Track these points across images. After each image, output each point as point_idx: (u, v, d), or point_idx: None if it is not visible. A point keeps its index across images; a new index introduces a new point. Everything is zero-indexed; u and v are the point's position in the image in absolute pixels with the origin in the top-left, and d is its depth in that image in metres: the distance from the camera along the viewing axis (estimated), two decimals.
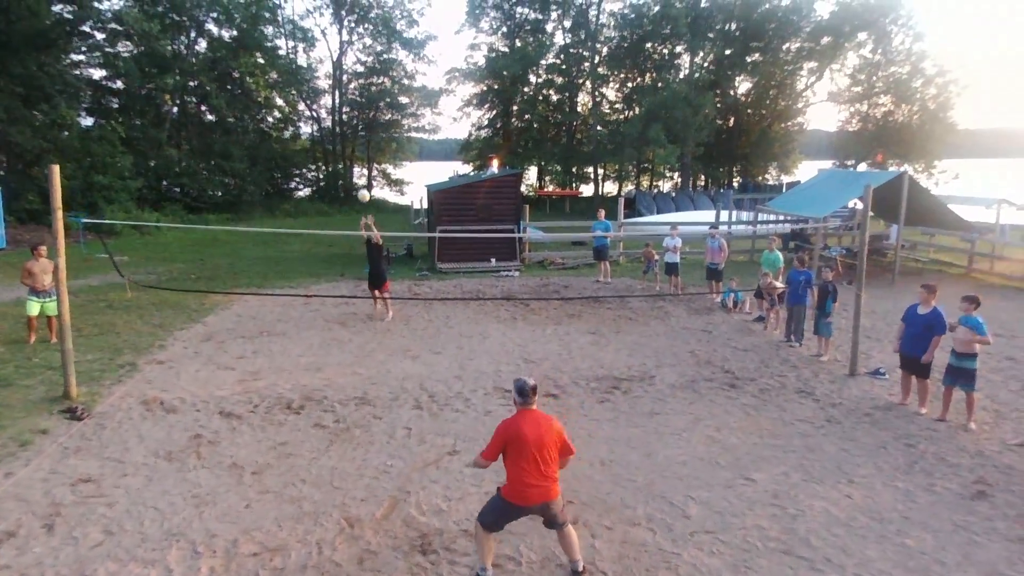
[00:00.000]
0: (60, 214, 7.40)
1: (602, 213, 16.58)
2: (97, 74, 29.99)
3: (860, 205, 21.01)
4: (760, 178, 37.74)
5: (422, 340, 11.02)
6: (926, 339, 7.72)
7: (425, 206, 23.56)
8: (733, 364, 9.79)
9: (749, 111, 38.81)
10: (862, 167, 33.91)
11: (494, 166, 21.66)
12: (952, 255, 18.33)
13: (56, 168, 7.38)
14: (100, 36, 28.10)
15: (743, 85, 38.87)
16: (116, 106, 30.74)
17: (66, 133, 24.59)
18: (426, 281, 16.22)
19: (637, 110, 35.42)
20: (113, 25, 26.38)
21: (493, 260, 17.70)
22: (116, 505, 5.59)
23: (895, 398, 8.32)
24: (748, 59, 36.40)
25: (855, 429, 7.45)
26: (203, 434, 7.09)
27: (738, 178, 39.22)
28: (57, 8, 25.03)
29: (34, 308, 9.90)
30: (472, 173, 30.68)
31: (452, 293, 14.80)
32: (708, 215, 21.74)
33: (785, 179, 36.28)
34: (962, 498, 5.93)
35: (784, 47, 35.25)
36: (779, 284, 11.45)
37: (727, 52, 36.02)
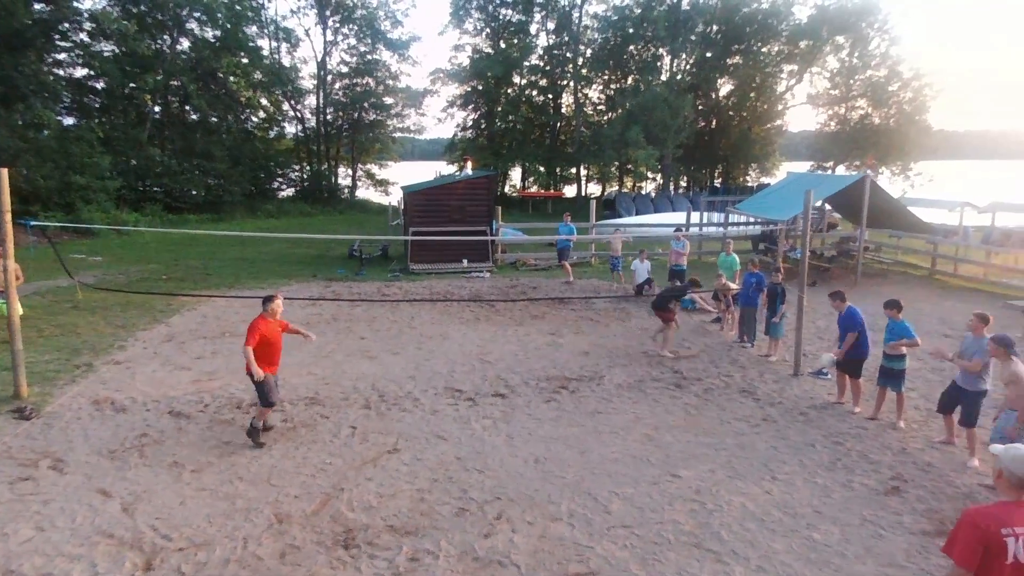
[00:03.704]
0: (8, 216, 7.52)
1: (568, 217, 16.80)
2: (79, 73, 30.06)
3: (827, 207, 21.37)
4: (740, 179, 38.11)
5: (383, 341, 11.18)
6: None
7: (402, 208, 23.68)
8: (683, 364, 10.01)
9: (731, 113, 39.17)
10: (840, 169, 34.31)
11: (468, 167, 21.82)
12: (916, 257, 18.65)
13: (5, 172, 7.49)
14: (81, 36, 28.16)
15: (724, 87, 39.28)
16: (97, 106, 30.76)
17: (46, 132, 24.56)
18: (397, 282, 16.37)
19: (619, 112, 35.70)
20: (90, 25, 26.34)
21: (465, 261, 17.88)
22: (51, 503, 5.73)
23: (832, 397, 8.56)
24: (729, 61, 36.74)
25: (788, 428, 7.67)
26: (149, 433, 7.23)
27: (719, 179, 39.57)
28: (36, 8, 25.02)
29: None
30: (457, 173, 30.78)
31: (421, 294, 14.96)
32: (677, 217, 21.99)
33: (765, 180, 36.63)
34: (876, 494, 6.16)
35: (764, 50, 35.60)
36: (733, 285, 11.69)
37: (708, 55, 36.35)
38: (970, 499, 6.05)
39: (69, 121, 28.82)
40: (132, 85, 30.03)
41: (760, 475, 6.50)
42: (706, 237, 21.04)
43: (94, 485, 6.06)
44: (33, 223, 9.28)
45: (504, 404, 8.33)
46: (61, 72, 28.83)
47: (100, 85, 30.55)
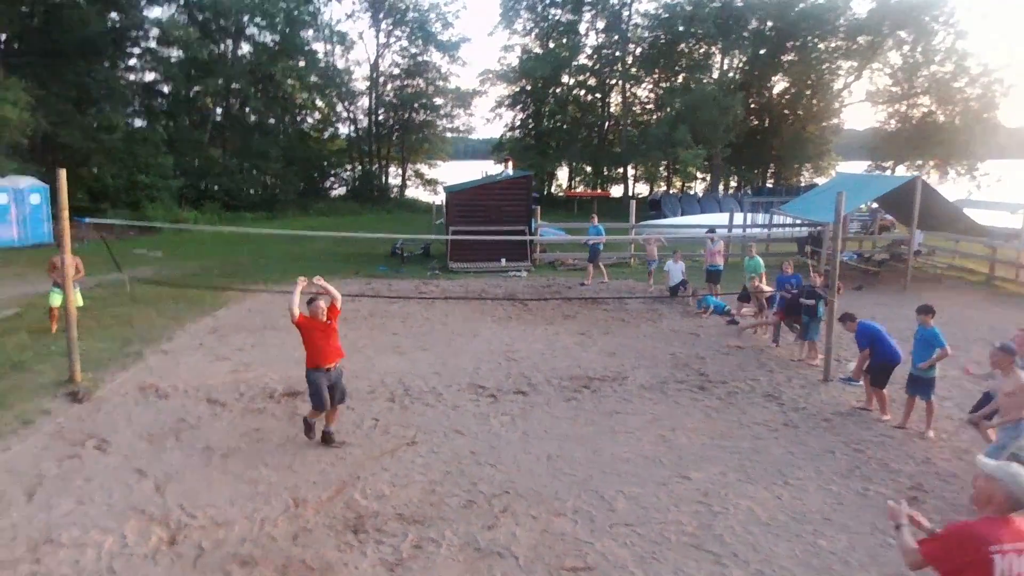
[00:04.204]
0: (66, 214, 8.14)
1: (595, 218, 16.85)
2: (149, 77, 31.83)
3: (879, 210, 20.62)
4: (793, 180, 37.03)
5: (415, 337, 11.48)
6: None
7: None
8: (709, 367, 9.93)
9: (785, 111, 38.07)
10: (900, 170, 32.97)
11: (508, 168, 22.04)
12: (974, 262, 17.81)
13: (63, 172, 8.11)
14: (150, 43, 29.82)
15: (778, 85, 38.25)
16: (163, 109, 32.46)
17: (119, 135, 26.05)
18: (435, 280, 16.72)
19: (668, 111, 35.25)
20: (155, 31, 27.85)
21: (503, 260, 18.07)
22: (93, 480, 6.20)
23: (860, 403, 8.36)
24: (784, 58, 35.77)
25: (809, 434, 7.54)
26: (187, 419, 7.69)
27: (771, 180, 38.57)
28: (109, 17, 26.61)
29: (57, 299, 10.71)
30: (499, 174, 31.01)
31: (456, 292, 15.25)
32: (722, 218, 21.57)
33: (817, 181, 35.52)
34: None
35: (820, 46, 34.51)
36: (766, 287, 11.51)
37: (761, 52, 35.48)
38: None
39: (139, 124, 30.57)
40: (196, 88, 31.58)
41: (772, 480, 6.44)
42: (748, 239, 20.59)
43: (132, 465, 6.52)
44: (87, 220, 9.96)
45: (524, 401, 8.48)
46: (132, 77, 30.65)
47: (166, 89, 32.26)
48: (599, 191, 38.99)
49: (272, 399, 8.41)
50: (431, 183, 43.05)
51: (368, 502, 5.95)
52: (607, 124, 41.30)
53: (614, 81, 39.61)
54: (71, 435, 7.16)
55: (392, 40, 40.20)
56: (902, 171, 32.72)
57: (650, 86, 40.44)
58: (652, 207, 31.21)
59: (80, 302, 10.79)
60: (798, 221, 19.04)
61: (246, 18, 32.09)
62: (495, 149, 42.34)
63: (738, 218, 21.28)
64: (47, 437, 7.08)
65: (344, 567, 5.00)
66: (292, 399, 8.40)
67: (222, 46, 32.81)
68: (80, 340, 9.86)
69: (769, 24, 35.18)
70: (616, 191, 40.64)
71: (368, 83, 40.16)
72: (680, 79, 37.43)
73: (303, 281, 7.09)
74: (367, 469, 6.58)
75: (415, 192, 43.63)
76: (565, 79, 39.64)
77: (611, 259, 19.57)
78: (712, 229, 15.45)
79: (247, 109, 34.99)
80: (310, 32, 36.39)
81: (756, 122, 38.46)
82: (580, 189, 39.90)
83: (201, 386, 8.75)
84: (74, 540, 5.23)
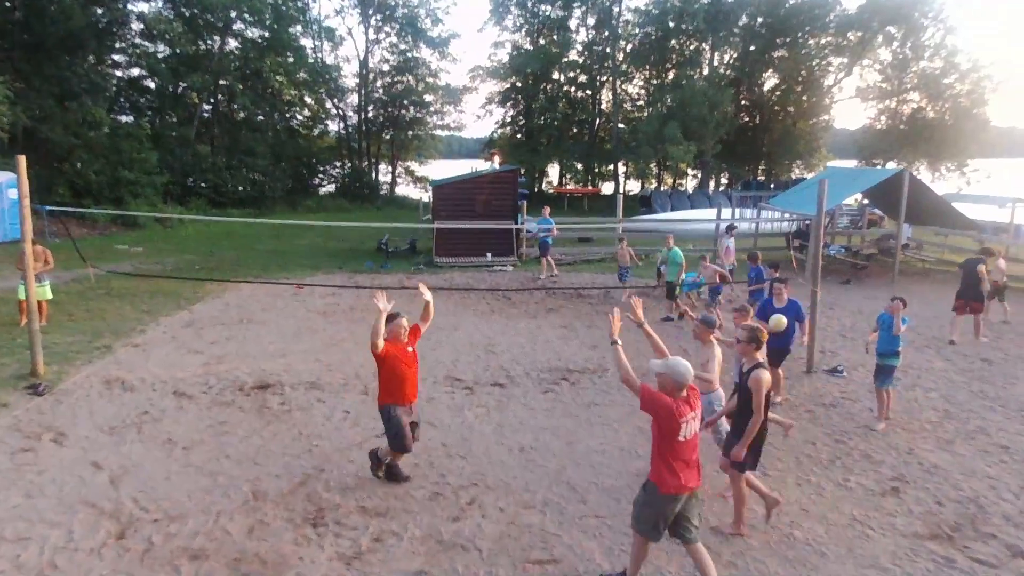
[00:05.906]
0: (27, 202, 7.87)
1: (547, 210, 16.68)
2: (134, 72, 31.40)
3: (866, 204, 20.51)
4: (784, 176, 36.88)
5: None
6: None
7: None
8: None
9: (776, 108, 37.93)
10: (890, 166, 32.86)
11: (495, 162, 21.84)
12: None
13: (23, 158, 7.84)
14: (135, 38, 29.42)
15: (769, 81, 38.10)
16: (151, 104, 32.04)
17: (106, 130, 25.61)
18: (420, 274, 16.48)
19: (658, 107, 35.05)
20: (138, 26, 27.51)
21: (489, 255, 17.88)
22: (45, 473, 5.97)
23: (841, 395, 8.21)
24: (774, 54, 35.64)
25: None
26: (150, 412, 7.46)
27: (762, 176, 38.42)
28: (91, 11, 26.19)
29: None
30: (488, 167, 30.70)
31: (440, 286, 15.02)
32: (708, 214, 21.40)
33: (808, 176, 35.41)
34: (872, 494, 5.86)
35: (810, 42, 34.40)
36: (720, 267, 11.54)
37: (751, 48, 35.35)
38: (974, 503, 5.70)
39: (127, 119, 30.12)
40: (183, 84, 31.21)
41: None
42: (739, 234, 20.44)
43: (88, 458, 6.28)
44: (47, 208, 9.69)
45: (501, 394, 8.28)
46: (119, 73, 30.27)
47: (152, 85, 31.88)
48: (589, 188, 38.80)
49: (242, 392, 8.18)
50: (421, 180, 42.76)
51: (331, 495, 5.74)
52: (598, 121, 41.09)
53: (605, 78, 39.40)
54: (28, 428, 6.91)
55: (381, 36, 39.89)
56: (892, 167, 32.63)
57: (641, 82, 40.27)
58: (642, 203, 31.10)
59: (48, 295, 10.57)
60: (786, 215, 18.92)
61: (233, 13, 31.74)
62: (486, 147, 42.09)
63: (726, 214, 21.10)
64: (2, 430, 6.83)
65: (299, 561, 4.79)
66: (262, 392, 8.19)
67: (209, 42, 32.45)
68: (49, 333, 9.69)
69: (759, 20, 35.04)
70: (607, 188, 40.46)
71: (357, 80, 39.87)
72: (671, 75, 37.27)
73: (382, 297, 5.55)
74: (333, 461, 6.37)
75: (405, 189, 43.34)
76: (556, 76, 39.44)
77: (599, 254, 19.42)
78: (731, 225, 15.07)
79: (235, 105, 34.61)
80: (298, 28, 36.10)
81: (747, 118, 38.33)
82: (571, 186, 39.70)
83: (169, 379, 8.51)
84: (18, 534, 5.00)
